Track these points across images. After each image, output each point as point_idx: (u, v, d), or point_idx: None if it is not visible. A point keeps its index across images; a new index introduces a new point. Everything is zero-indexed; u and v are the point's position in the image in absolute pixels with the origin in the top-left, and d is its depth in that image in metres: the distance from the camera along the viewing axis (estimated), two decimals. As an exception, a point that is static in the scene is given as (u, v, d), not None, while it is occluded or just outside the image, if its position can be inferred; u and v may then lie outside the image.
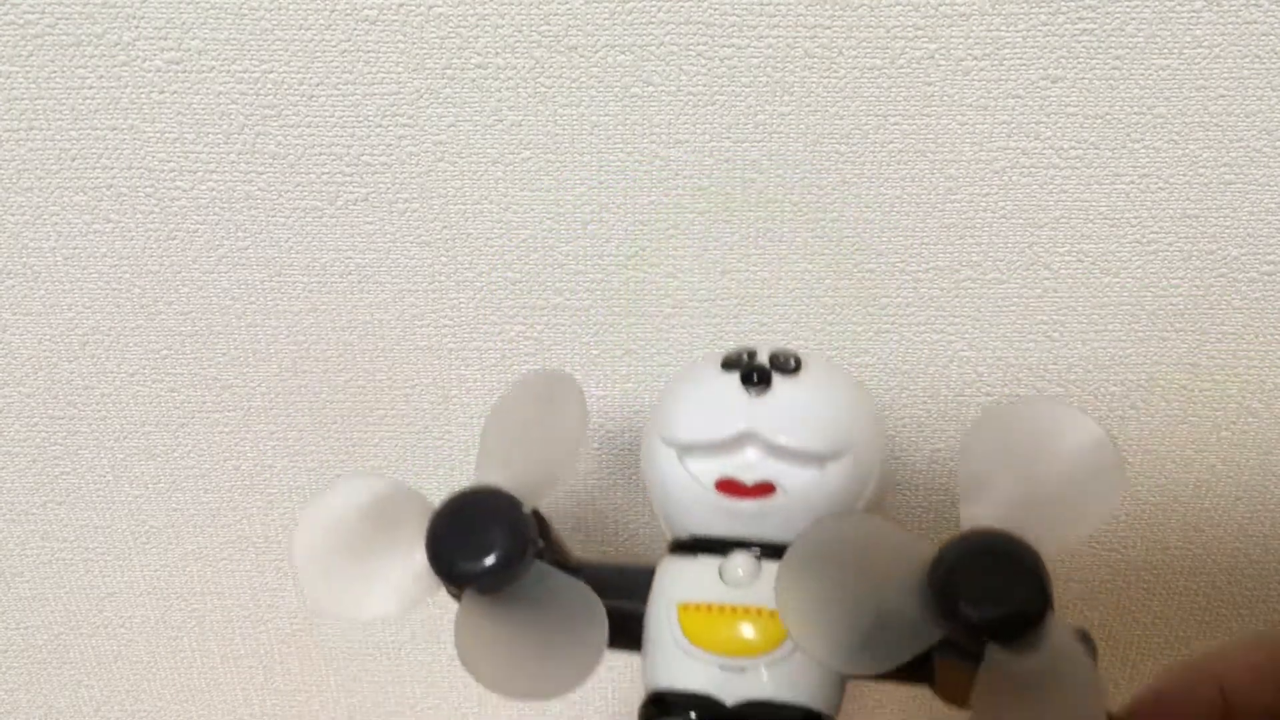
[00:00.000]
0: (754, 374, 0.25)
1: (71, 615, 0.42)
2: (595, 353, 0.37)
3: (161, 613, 0.42)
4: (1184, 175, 0.34)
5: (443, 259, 0.36)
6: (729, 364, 0.26)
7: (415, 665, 0.43)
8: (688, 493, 0.25)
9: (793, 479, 0.25)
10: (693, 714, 0.24)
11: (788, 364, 0.25)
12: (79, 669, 0.43)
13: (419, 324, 0.37)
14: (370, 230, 0.35)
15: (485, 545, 0.24)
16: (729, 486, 0.25)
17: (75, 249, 0.36)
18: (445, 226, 0.35)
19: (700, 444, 0.25)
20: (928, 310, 0.36)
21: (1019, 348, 0.37)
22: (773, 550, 0.24)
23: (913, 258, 0.35)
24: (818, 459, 0.25)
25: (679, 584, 0.26)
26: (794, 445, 0.24)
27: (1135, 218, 0.35)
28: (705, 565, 0.25)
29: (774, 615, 0.23)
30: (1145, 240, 0.35)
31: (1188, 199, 0.34)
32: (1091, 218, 0.35)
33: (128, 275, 0.36)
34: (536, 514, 0.26)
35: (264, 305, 0.37)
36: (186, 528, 0.41)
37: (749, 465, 0.25)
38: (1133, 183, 0.34)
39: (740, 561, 0.25)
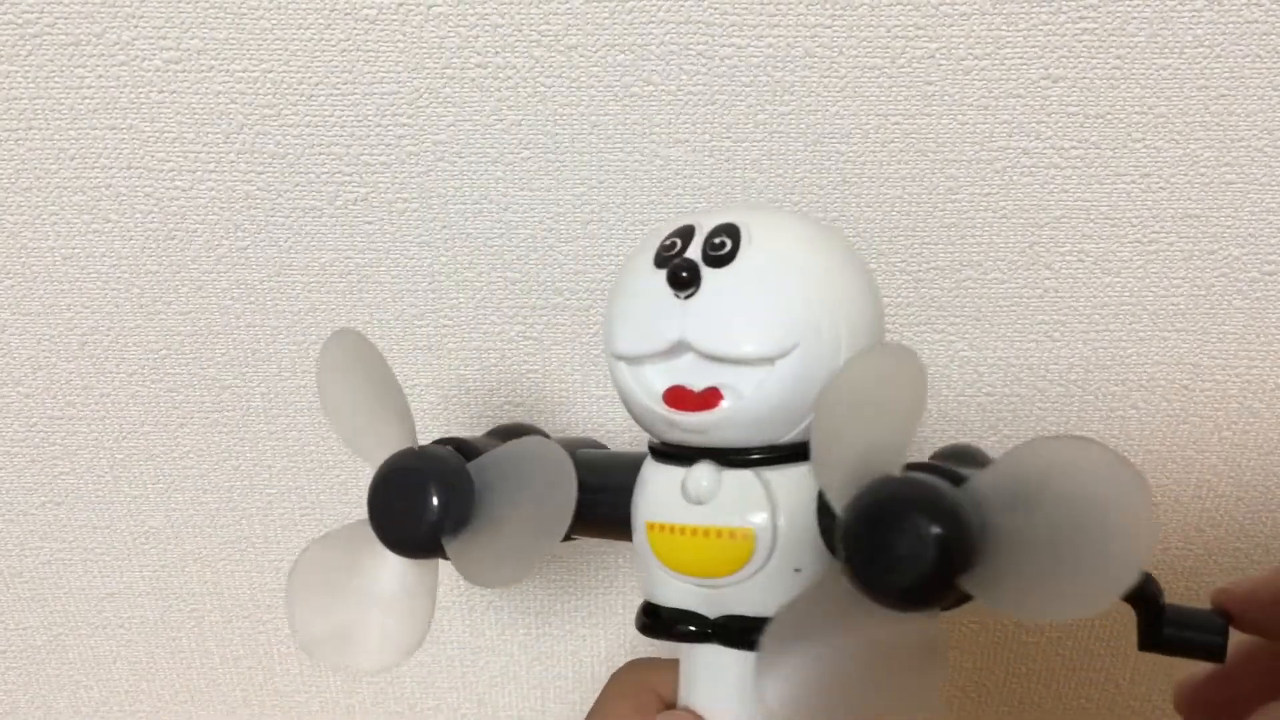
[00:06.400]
0: (680, 274, 0.22)
1: (70, 616, 0.42)
2: (595, 353, 0.37)
3: (161, 613, 0.42)
4: (1185, 175, 0.34)
5: (443, 259, 0.36)
6: (660, 259, 0.23)
7: (415, 665, 0.43)
8: (640, 405, 0.24)
9: (743, 380, 0.22)
10: (678, 626, 0.24)
11: (721, 248, 0.22)
12: (78, 669, 0.43)
13: (419, 324, 0.37)
14: (370, 230, 0.35)
15: (413, 515, 0.24)
16: (677, 396, 0.23)
17: (74, 249, 0.36)
18: (445, 226, 0.35)
19: (638, 355, 0.24)
20: (929, 310, 0.36)
21: (1020, 347, 0.37)
22: (732, 459, 0.23)
23: (913, 257, 0.35)
24: (763, 360, 0.22)
25: (646, 496, 0.25)
26: (730, 353, 0.22)
27: (1136, 217, 0.35)
28: (670, 477, 0.24)
29: (734, 535, 0.23)
30: (1146, 240, 0.35)
31: (1189, 198, 0.34)
32: (1092, 217, 0.35)
33: (126, 275, 0.36)
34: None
35: (263, 305, 0.37)
36: (186, 528, 0.41)
37: (694, 370, 0.23)
38: (1134, 182, 0.34)
39: (702, 474, 0.23)
